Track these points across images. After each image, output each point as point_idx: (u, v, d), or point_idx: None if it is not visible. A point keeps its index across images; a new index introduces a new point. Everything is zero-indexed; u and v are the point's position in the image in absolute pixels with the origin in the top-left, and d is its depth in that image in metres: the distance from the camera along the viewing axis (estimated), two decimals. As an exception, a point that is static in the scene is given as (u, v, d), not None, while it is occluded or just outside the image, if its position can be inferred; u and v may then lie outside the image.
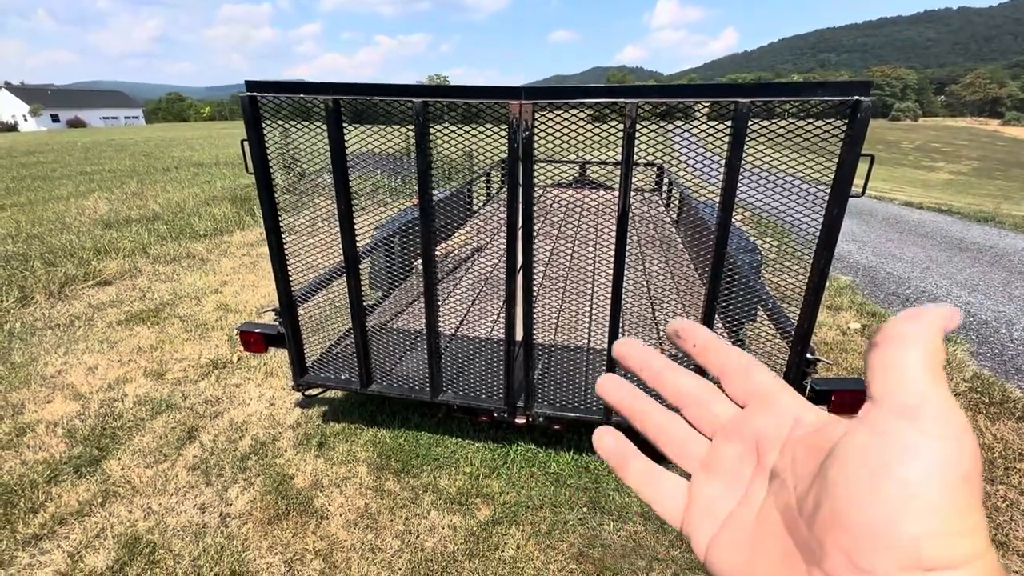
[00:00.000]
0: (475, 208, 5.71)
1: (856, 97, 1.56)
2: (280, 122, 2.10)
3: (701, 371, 0.33)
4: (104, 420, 2.98)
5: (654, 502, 0.31)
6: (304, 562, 2.13)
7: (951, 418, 0.20)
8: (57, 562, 2.10)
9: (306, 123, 2.12)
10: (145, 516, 2.33)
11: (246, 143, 2.10)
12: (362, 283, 2.36)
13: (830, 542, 0.21)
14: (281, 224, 2.29)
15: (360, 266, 2.37)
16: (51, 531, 2.25)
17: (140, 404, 3.14)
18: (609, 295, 2.05)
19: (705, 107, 1.77)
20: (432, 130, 1.96)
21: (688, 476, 0.31)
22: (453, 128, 2.04)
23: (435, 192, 2.09)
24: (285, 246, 2.33)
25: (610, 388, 0.34)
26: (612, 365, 2.14)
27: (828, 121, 1.66)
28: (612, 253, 1.96)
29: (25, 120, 70.91)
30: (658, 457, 0.33)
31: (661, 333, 2.99)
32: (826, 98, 1.59)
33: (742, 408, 0.30)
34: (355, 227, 2.21)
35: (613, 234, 1.92)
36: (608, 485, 2.51)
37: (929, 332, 0.21)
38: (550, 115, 1.85)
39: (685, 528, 0.29)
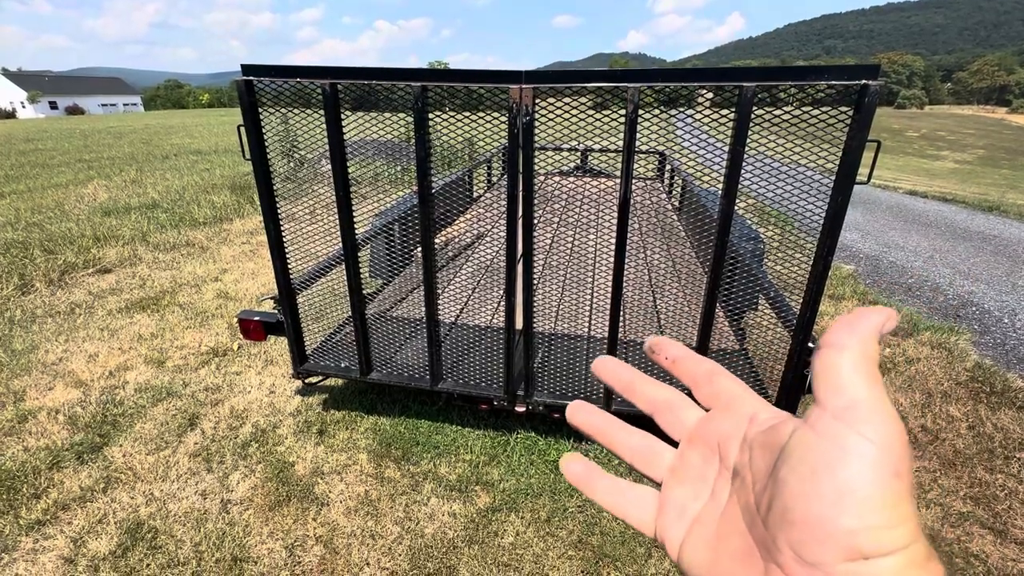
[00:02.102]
0: (475, 196, 5.68)
1: (863, 81, 1.53)
2: (278, 108, 2.07)
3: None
4: (105, 407, 2.99)
5: (626, 515, 0.33)
6: (305, 548, 2.14)
7: (883, 419, 0.21)
8: (60, 547, 2.12)
9: (304, 109, 2.09)
10: (147, 502, 2.34)
11: (243, 129, 2.08)
12: (361, 271, 2.35)
13: (781, 538, 0.22)
14: (280, 211, 2.27)
15: (360, 254, 2.35)
16: (54, 516, 2.26)
17: (141, 391, 3.15)
18: (610, 283, 2.04)
19: (709, 93, 1.74)
20: (432, 117, 1.94)
21: (659, 486, 0.32)
22: (453, 114, 2.01)
23: (435, 180, 2.07)
24: (284, 234, 2.31)
25: (574, 413, 0.36)
26: (612, 354, 2.14)
27: (834, 107, 1.63)
28: (613, 241, 1.94)
29: (23, 107, 70.41)
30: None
31: (662, 321, 2.98)
32: (833, 82, 1.56)
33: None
34: (354, 215, 2.19)
35: (614, 222, 1.90)
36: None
37: (863, 337, 0.23)
38: (551, 100, 1.82)
39: (659, 534, 0.31)
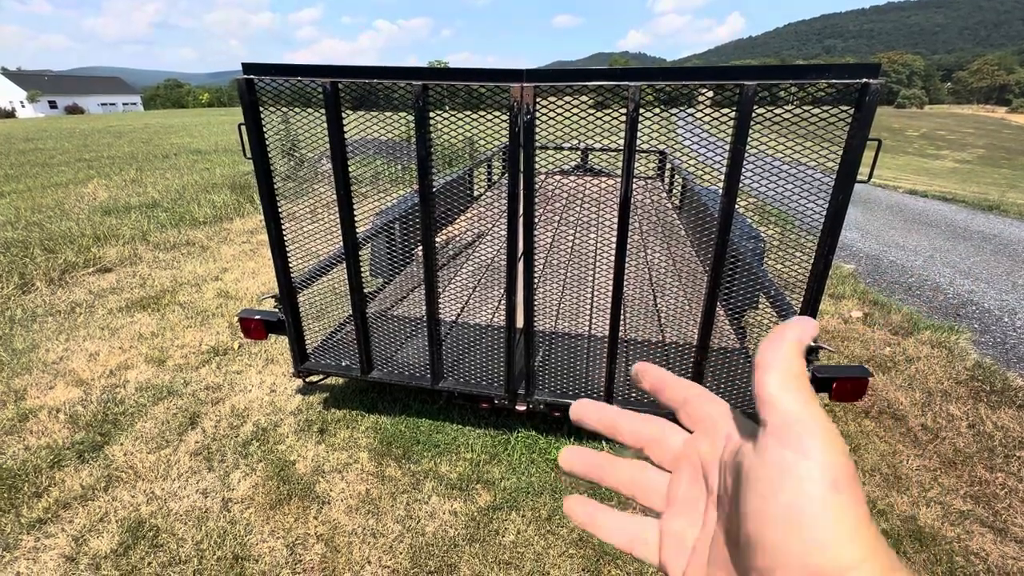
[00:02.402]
0: (476, 195, 5.68)
1: (864, 80, 1.53)
2: (279, 106, 2.07)
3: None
4: (106, 406, 2.99)
5: (632, 549, 0.32)
6: (306, 546, 2.14)
7: (816, 432, 0.21)
8: (61, 545, 2.12)
9: (305, 108, 2.09)
10: (148, 501, 2.34)
11: (244, 127, 2.08)
12: (362, 270, 2.35)
13: (747, 562, 0.23)
14: (280, 210, 2.27)
15: (360, 253, 2.35)
16: (55, 515, 2.26)
17: (142, 390, 3.15)
18: (611, 282, 2.04)
19: (709, 92, 1.74)
20: (432, 116, 1.94)
21: (659, 516, 0.33)
22: (454, 113, 2.01)
23: (435, 178, 2.07)
24: (285, 232, 2.31)
25: (569, 456, 0.36)
26: (613, 353, 2.14)
27: (834, 106, 1.63)
28: (614, 240, 1.94)
29: (23, 106, 70.31)
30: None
31: (662, 320, 2.98)
32: (834, 81, 1.56)
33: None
34: (355, 214, 2.19)
35: (615, 221, 1.90)
36: (608, 472, 2.52)
37: (785, 354, 0.23)
38: (552, 99, 1.82)
39: (663, 565, 0.31)
